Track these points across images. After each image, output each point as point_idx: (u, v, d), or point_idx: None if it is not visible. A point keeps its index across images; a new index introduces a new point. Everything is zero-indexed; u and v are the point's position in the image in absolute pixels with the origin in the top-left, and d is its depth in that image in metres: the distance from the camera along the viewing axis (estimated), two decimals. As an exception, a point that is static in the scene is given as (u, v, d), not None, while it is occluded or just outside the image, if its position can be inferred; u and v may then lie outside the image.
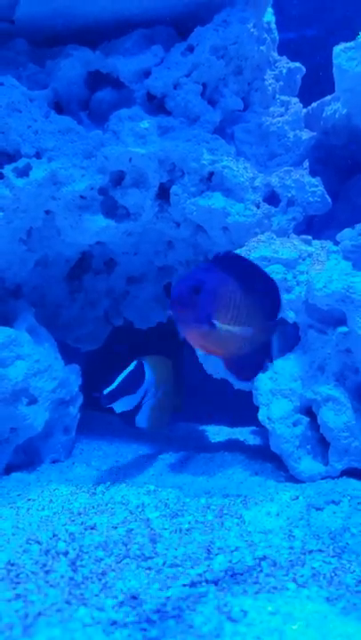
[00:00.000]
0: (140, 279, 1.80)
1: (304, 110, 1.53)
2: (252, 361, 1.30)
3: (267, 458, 1.42)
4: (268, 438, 1.62)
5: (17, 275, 1.48)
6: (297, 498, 1.14)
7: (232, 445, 1.64)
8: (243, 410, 1.70)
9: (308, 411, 1.26)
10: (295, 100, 1.49)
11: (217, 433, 1.84)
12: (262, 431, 1.76)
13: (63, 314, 1.72)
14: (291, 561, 0.93)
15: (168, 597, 0.83)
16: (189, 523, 1.05)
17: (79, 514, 1.08)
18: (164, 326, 1.86)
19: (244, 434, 1.79)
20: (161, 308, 1.86)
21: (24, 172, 1.28)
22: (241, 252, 1.28)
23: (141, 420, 1.35)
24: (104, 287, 1.77)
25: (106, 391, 1.24)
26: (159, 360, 1.43)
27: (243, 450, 1.55)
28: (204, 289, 1.10)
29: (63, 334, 1.72)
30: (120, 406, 1.28)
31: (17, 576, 0.88)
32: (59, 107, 1.38)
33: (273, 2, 1.49)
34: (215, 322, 1.11)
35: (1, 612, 0.79)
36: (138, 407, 1.33)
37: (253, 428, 1.84)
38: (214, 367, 1.40)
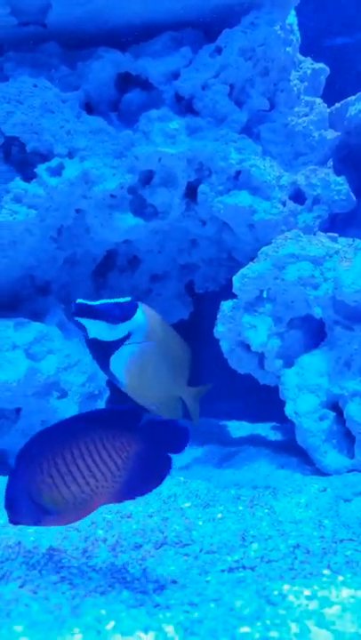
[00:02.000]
0: (163, 277, 1.83)
1: (328, 110, 1.55)
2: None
3: (291, 452, 1.45)
4: (289, 433, 1.65)
5: (46, 272, 1.51)
6: (325, 490, 1.17)
7: (255, 440, 1.67)
8: (263, 406, 1.73)
9: (335, 406, 1.28)
10: (319, 100, 1.52)
11: (238, 428, 1.87)
12: (283, 427, 1.79)
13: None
14: (323, 549, 0.96)
15: (207, 582, 0.86)
16: (221, 512, 1.08)
17: (114, 503, 1.11)
18: (186, 323, 1.89)
19: (265, 429, 1.82)
20: (183, 305, 1.89)
21: (57, 172, 1.31)
22: (269, 248, 1.30)
23: (117, 365, 1.15)
24: (128, 284, 1.81)
25: (80, 301, 1.08)
26: (160, 318, 1.22)
27: (266, 444, 1.58)
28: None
29: (88, 330, 1.75)
30: (93, 330, 1.10)
31: (60, 560, 0.91)
32: (89, 107, 1.42)
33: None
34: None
35: (49, 593, 0.82)
36: (114, 345, 1.13)
37: (274, 423, 1.87)
38: (239, 362, 1.43)
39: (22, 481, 0.82)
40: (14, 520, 0.83)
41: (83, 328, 1.09)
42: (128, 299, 1.13)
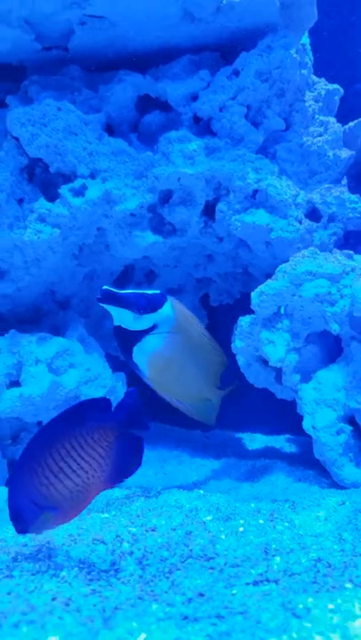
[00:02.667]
0: (179, 290, 1.86)
1: (342, 129, 1.59)
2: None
3: (307, 465, 1.48)
4: (304, 446, 1.68)
5: (67, 287, 1.55)
6: (343, 503, 1.19)
7: (270, 452, 1.69)
8: (278, 419, 1.76)
9: (352, 420, 1.31)
10: (333, 119, 1.56)
11: (253, 440, 1.89)
12: (298, 439, 1.81)
13: (106, 324, 1.79)
14: (344, 562, 0.98)
15: (233, 595, 0.88)
16: (243, 526, 1.10)
17: (137, 516, 1.14)
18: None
19: (280, 442, 1.84)
20: (198, 318, 1.92)
21: (80, 192, 1.35)
22: (286, 266, 1.34)
23: (140, 355, 1.15)
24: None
25: (106, 287, 1.10)
26: (192, 317, 1.23)
27: (282, 457, 1.60)
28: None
29: (106, 344, 1.79)
30: (118, 317, 1.12)
31: (89, 573, 0.94)
32: (110, 129, 1.46)
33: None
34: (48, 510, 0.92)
35: (80, 605, 0.85)
36: (138, 335, 1.14)
37: (288, 435, 1.89)
38: (256, 377, 1.46)
39: (22, 489, 0.91)
40: (23, 529, 0.92)
41: (109, 315, 1.11)
42: (157, 291, 1.15)
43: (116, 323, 1.13)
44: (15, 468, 0.92)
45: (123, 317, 1.12)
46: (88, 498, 0.94)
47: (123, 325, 1.13)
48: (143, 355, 1.16)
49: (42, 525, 0.93)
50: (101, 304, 1.11)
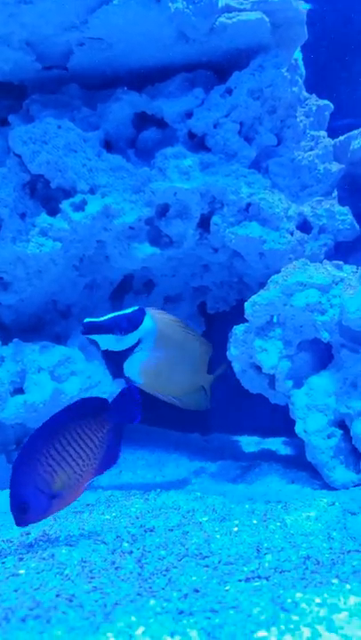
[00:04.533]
0: (176, 299, 1.92)
1: (332, 143, 1.65)
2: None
3: (300, 467, 1.53)
4: (298, 449, 1.73)
5: (68, 297, 1.61)
6: (333, 504, 1.24)
7: (266, 455, 1.74)
8: (273, 422, 1.81)
9: (342, 424, 1.36)
10: (324, 134, 1.61)
11: (249, 443, 1.95)
12: (293, 442, 1.87)
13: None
14: (332, 560, 1.03)
15: (227, 590, 0.94)
16: (237, 526, 1.16)
17: (137, 517, 1.19)
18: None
19: (275, 444, 1.89)
20: (195, 325, 1.98)
21: (80, 207, 1.41)
22: (278, 277, 1.39)
23: (130, 369, 1.25)
24: (143, 306, 1.90)
25: (87, 320, 1.18)
26: (171, 320, 1.31)
27: (277, 459, 1.66)
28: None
29: (106, 351, 1.85)
30: (103, 343, 1.20)
31: (91, 571, 0.99)
32: (109, 145, 1.52)
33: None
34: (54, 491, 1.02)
35: (83, 601, 0.91)
36: (126, 353, 1.23)
37: (284, 438, 1.95)
38: (251, 382, 1.51)
39: (26, 477, 1.01)
40: (25, 520, 1.02)
41: (95, 343, 1.20)
42: (135, 308, 1.24)
43: (103, 348, 1.23)
44: (18, 459, 1.01)
45: (107, 342, 1.22)
46: (82, 485, 1.05)
47: (110, 349, 1.23)
48: (134, 368, 1.25)
49: (46, 511, 1.02)
50: (86, 336, 1.21)
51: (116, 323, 1.20)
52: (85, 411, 1.04)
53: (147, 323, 1.24)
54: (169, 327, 1.29)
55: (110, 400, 1.07)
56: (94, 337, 1.21)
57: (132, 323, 1.22)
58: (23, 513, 1.02)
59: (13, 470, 1.02)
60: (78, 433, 1.02)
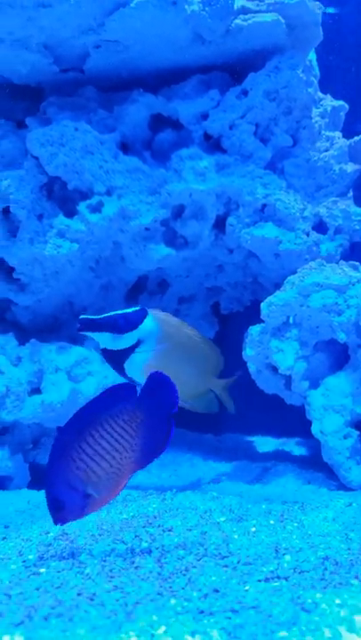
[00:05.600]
0: (190, 299, 1.93)
1: (347, 142, 1.65)
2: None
3: (316, 467, 1.53)
4: (313, 449, 1.73)
5: (84, 298, 1.62)
6: (350, 504, 1.25)
7: (281, 456, 1.75)
8: (288, 422, 1.81)
9: (358, 425, 1.36)
10: (339, 134, 1.61)
11: (264, 444, 1.95)
12: (307, 442, 1.87)
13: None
14: (351, 560, 1.04)
15: (246, 590, 0.94)
16: (255, 526, 1.16)
17: (155, 517, 1.20)
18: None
19: (290, 445, 1.90)
20: (209, 325, 1.98)
21: (97, 209, 1.42)
22: (294, 277, 1.39)
23: (132, 370, 1.22)
24: (157, 306, 1.91)
25: (83, 316, 1.17)
26: (177, 323, 1.29)
27: (292, 460, 1.66)
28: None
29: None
30: (102, 341, 1.19)
31: (110, 570, 1.00)
32: (125, 147, 1.53)
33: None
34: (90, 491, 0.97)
35: (104, 600, 0.91)
36: (124, 353, 1.21)
37: (298, 439, 1.95)
38: (267, 383, 1.51)
39: (61, 476, 0.95)
40: (62, 519, 0.97)
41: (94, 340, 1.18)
42: (137, 308, 1.22)
43: (102, 346, 1.21)
44: (50, 457, 0.96)
45: (104, 340, 1.20)
46: (122, 480, 0.98)
47: (108, 347, 1.21)
48: (135, 369, 1.23)
49: (82, 510, 0.98)
50: (82, 332, 1.19)
51: (112, 321, 1.18)
52: (115, 400, 0.97)
53: (147, 323, 1.21)
54: (173, 329, 1.27)
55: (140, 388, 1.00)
56: (91, 334, 1.19)
57: (131, 322, 1.20)
58: (59, 511, 0.97)
59: (47, 468, 0.97)
60: (110, 424, 0.96)
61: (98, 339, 1.19)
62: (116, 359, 1.21)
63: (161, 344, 1.23)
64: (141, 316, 1.21)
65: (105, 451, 0.96)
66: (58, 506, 0.97)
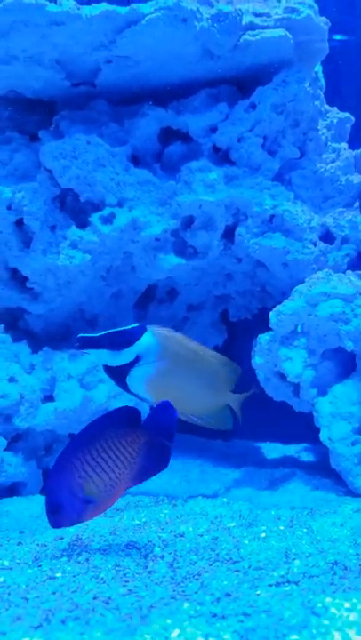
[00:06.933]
0: (199, 307, 1.96)
1: (353, 153, 1.67)
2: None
3: (324, 474, 1.55)
4: (321, 455, 1.75)
5: (95, 306, 1.65)
6: (358, 510, 1.27)
7: (288, 462, 1.77)
8: (296, 429, 1.84)
9: (366, 432, 1.39)
10: (345, 146, 1.64)
11: (272, 450, 1.97)
12: (315, 448, 1.89)
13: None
14: (359, 565, 1.06)
15: (258, 595, 0.97)
16: (265, 532, 1.19)
17: (166, 522, 1.23)
18: (220, 350, 2.01)
19: (297, 451, 1.92)
20: (217, 333, 2.01)
21: (108, 220, 1.45)
22: (302, 287, 1.42)
23: (135, 386, 1.24)
24: (166, 314, 1.94)
25: (82, 334, 1.19)
26: (179, 338, 1.29)
27: (300, 466, 1.68)
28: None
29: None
30: (98, 358, 1.22)
31: (125, 575, 1.03)
32: (136, 159, 1.56)
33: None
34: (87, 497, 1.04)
35: (119, 604, 0.94)
36: (124, 369, 1.22)
37: (305, 445, 1.97)
38: (275, 391, 1.54)
39: (63, 483, 1.04)
40: (59, 522, 1.04)
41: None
42: (135, 325, 1.24)
43: (102, 363, 1.24)
44: (55, 464, 1.05)
45: (103, 357, 1.22)
46: (118, 492, 1.07)
47: (107, 364, 1.23)
48: (137, 385, 1.25)
49: (79, 516, 1.05)
50: (80, 350, 1.23)
51: (109, 338, 1.20)
52: (121, 421, 1.07)
53: (146, 339, 1.22)
54: (174, 344, 1.27)
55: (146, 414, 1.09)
56: (90, 352, 1.21)
57: (128, 338, 1.22)
58: (56, 515, 1.05)
59: (50, 474, 1.06)
60: (114, 442, 1.05)
61: (97, 356, 1.22)
62: (117, 375, 1.24)
63: (162, 359, 1.25)
64: (139, 332, 1.23)
65: (106, 464, 1.05)
66: (56, 509, 1.05)
